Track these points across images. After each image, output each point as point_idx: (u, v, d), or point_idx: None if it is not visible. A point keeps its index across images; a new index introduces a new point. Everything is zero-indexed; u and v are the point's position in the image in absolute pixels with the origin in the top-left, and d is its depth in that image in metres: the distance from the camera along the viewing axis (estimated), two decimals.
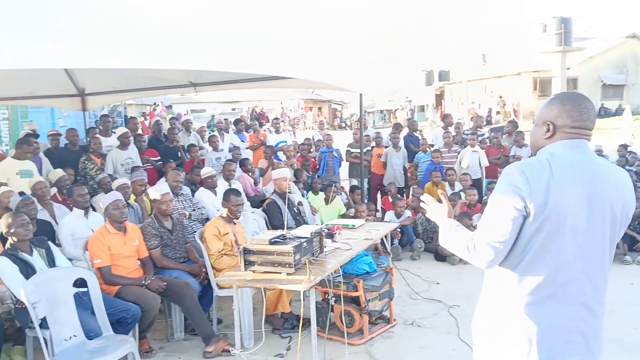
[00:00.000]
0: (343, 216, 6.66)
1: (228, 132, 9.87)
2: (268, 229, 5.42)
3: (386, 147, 8.84)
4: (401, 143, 8.77)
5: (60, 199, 5.55)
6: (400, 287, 5.27)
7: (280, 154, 8.41)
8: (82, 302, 3.70)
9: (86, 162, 6.61)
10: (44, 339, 3.34)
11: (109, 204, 4.27)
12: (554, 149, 1.83)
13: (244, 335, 4.12)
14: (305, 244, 3.57)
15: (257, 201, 6.70)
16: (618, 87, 28.76)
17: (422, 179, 8.33)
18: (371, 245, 5.17)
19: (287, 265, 3.41)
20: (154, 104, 22.23)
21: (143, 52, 4.00)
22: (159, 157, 7.40)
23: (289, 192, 5.74)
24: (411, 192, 8.35)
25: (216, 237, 4.55)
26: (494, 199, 1.81)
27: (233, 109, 29.71)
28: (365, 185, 8.23)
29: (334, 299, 4.25)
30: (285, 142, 8.97)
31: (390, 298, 4.60)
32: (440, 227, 2.02)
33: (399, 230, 6.85)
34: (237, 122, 10.57)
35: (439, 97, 36.73)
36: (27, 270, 3.67)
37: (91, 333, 3.57)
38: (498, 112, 27.12)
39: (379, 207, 8.42)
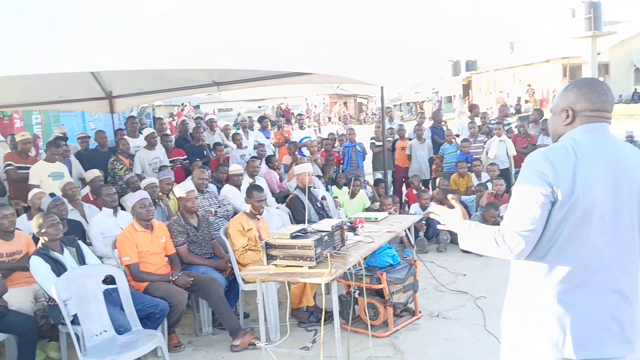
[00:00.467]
0: (368, 210, 6.65)
1: (252, 130, 9.96)
2: (292, 224, 5.46)
3: (410, 139, 8.79)
4: (426, 135, 8.70)
5: (93, 199, 5.72)
6: (426, 280, 5.24)
7: (305, 150, 8.45)
8: (112, 298, 3.81)
9: (115, 162, 6.78)
10: (76, 334, 3.45)
11: (135, 202, 4.38)
12: (576, 135, 1.80)
13: (269, 328, 4.18)
14: (326, 237, 3.59)
15: (283, 197, 6.75)
16: None
17: (447, 170, 8.26)
18: (395, 237, 5.16)
19: (308, 259, 3.43)
20: (182, 104, 22.59)
21: (165, 52, 4.08)
22: (185, 157, 7.54)
23: (312, 187, 5.76)
24: (437, 184, 8.29)
25: (240, 233, 4.62)
26: (520, 187, 1.77)
27: (259, 107, 29.89)
28: (390, 179, 8.20)
29: (357, 291, 4.27)
30: (309, 137, 9.00)
31: (414, 290, 4.59)
32: (458, 232, 1.97)
33: (425, 222, 6.80)
34: (261, 120, 10.64)
35: (467, 88, 36.17)
36: (59, 269, 3.79)
37: (121, 328, 3.68)
38: (527, 101, 26.55)
39: (403, 200, 8.38)
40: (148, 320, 3.89)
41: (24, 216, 4.99)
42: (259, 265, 3.79)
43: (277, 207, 6.02)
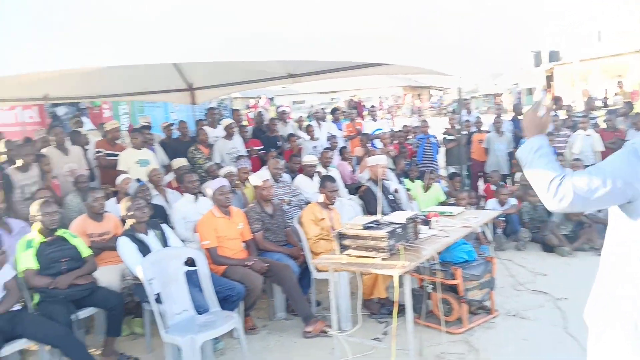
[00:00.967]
0: (442, 204, 6.51)
1: (325, 121, 10.02)
2: (364, 215, 5.45)
3: (488, 132, 8.49)
4: (505, 127, 8.37)
5: (175, 186, 6.01)
6: (503, 278, 5.08)
7: (377, 142, 8.39)
8: (192, 279, 3.99)
9: (194, 152, 7.06)
10: (159, 312, 3.65)
11: (215, 189, 4.55)
12: None
13: (341, 317, 4.21)
14: (399, 229, 3.56)
15: (354, 188, 6.76)
16: None
17: None
18: (470, 233, 5.02)
19: (380, 250, 3.42)
20: (257, 96, 23.12)
21: (244, 44, 4.18)
22: (261, 147, 7.73)
23: (385, 179, 5.72)
24: (516, 179, 7.96)
25: (313, 222, 4.68)
26: (613, 160, 1.66)
27: (331, 99, 30.01)
28: (465, 173, 7.97)
29: (430, 286, 4.21)
30: (381, 129, 8.93)
31: (491, 288, 4.46)
32: (527, 143, 1.83)
33: (503, 219, 6.57)
34: (333, 111, 10.68)
35: (549, 79, 34.33)
36: (144, 250, 4.02)
37: (200, 308, 3.85)
38: (616, 94, 24.81)
39: (480, 195, 8.11)
40: (225, 302, 4.03)
41: (112, 200, 5.31)
42: (331, 255, 3.82)
43: (349, 199, 6.04)
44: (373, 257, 3.43)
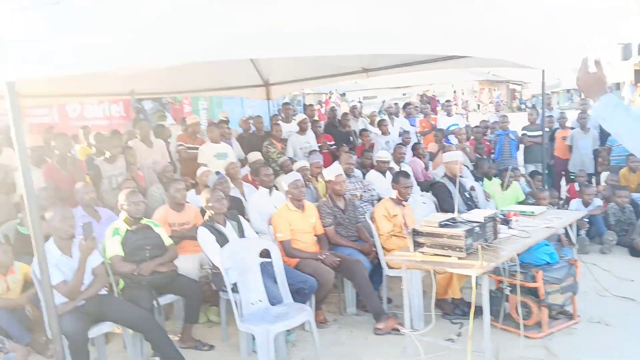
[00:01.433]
0: (521, 203, 6.24)
1: (398, 117, 9.89)
2: (438, 212, 5.33)
3: (572, 128, 8.02)
4: (591, 124, 7.88)
5: (251, 179, 6.16)
6: (587, 282, 4.79)
7: (452, 138, 8.18)
8: (267, 271, 4.07)
9: (268, 146, 7.21)
10: (235, 301, 3.76)
11: (289, 183, 4.62)
12: None
13: (413, 316, 4.14)
14: (477, 228, 3.45)
15: (427, 185, 6.63)
16: None
17: (615, 164, 7.39)
18: (553, 234, 4.79)
19: (457, 249, 3.33)
20: (329, 92, 23.24)
21: (320, 39, 4.19)
22: (333, 142, 7.76)
23: (461, 176, 5.56)
24: (602, 179, 7.48)
25: (385, 218, 4.64)
26: None
27: (404, 94, 29.58)
28: (545, 171, 7.59)
29: (509, 288, 4.05)
30: (457, 125, 8.69)
31: (573, 292, 4.23)
32: (600, 100, 1.71)
33: (587, 220, 6.20)
34: (405, 106, 10.52)
35: (638, 73, 31.93)
36: (222, 240, 4.15)
37: (274, 300, 3.92)
38: None
39: (562, 195, 7.71)
40: (297, 294, 4.08)
41: (192, 191, 5.53)
42: (405, 251, 3.77)
43: (422, 195, 5.92)
44: (449, 256, 3.35)
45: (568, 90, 37.89)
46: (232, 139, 7.52)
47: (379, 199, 5.75)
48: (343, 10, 4.22)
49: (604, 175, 7.64)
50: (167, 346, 3.78)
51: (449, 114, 9.51)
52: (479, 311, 3.37)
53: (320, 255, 4.45)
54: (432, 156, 7.64)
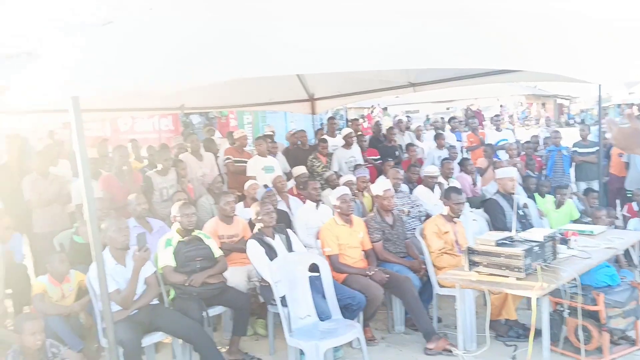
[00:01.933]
0: (575, 222, 6.00)
1: (444, 131, 9.74)
2: (490, 230, 5.18)
3: None
4: None
5: (296, 193, 6.18)
6: None
7: (501, 153, 7.98)
8: (315, 285, 4.04)
9: (314, 160, 7.22)
10: (284, 315, 3.74)
11: (338, 197, 4.59)
12: None
13: (465, 337, 4.02)
14: (536, 248, 3.33)
15: (476, 202, 6.47)
16: None
17: None
18: (612, 255, 4.57)
19: (516, 269, 3.22)
20: (371, 106, 23.21)
21: (368, 54, 4.17)
22: (378, 156, 7.70)
23: (514, 193, 5.39)
24: None
25: (436, 235, 4.54)
26: None
27: (447, 109, 29.22)
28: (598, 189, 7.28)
29: (567, 311, 3.87)
30: (507, 140, 8.48)
31: (636, 317, 4.01)
32: None
33: None
34: (450, 120, 10.36)
35: None
36: (270, 253, 4.16)
37: (322, 315, 3.89)
38: None
39: (618, 214, 7.37)
40: (345, 310, 4.03)
41: (240, 204, 5.58)
42: (458, 270, 3.67)
43: (472, 212, 5.78)
44: (507, 276, 3.23)
45: (619, 105, 36.52)
46: (278, 153, 7.57)
47: (427, 215, 5.65)
48: (393, 24, 4.20)
49: None
50: (215, 357, 3.80)
51: (498, 129, 9.28)
52: (535, 333, 3.23)
53: (368, 271, 4.39)
54: (481, 172, 7.46)
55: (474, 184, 7.14)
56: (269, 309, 4.27)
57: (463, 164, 7.19)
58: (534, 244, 3.33)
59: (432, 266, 4.50)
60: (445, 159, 7.09)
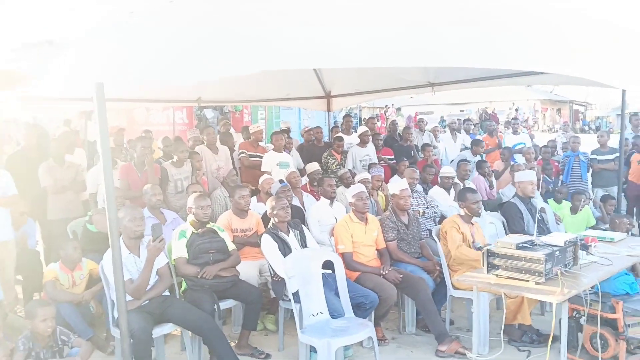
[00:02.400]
0: (592, 228, 5.90)
1: (460, 133, 9.66)
2: (507, 234, 5.11)
3: None
4: None
5: (309, 189, 6.14)
6: None
7: (518, 156, 7.88)
8: (327, 282, 4.00)
9: (328, 157, 7.19)
10: (296, 311, 3.70)
11: (354, 194, 4.54)
12: None
13: (478, 340, 3.96)
14: (557, 252, 3.26)
15: (493, 205, 6.39)
16: None
17: None
18: (633, 263, 4.49)
19: (536, 274, 3.15)
20: (385, 106, 23.11)
21: (387, 50, 4.11)
22: (393, 156, 7.64)
23: (533, 197, 5.30)
24: None
25: (456, 230, 4.47)
26: None
27: (461, 111, 29.05)
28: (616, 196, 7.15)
29: (584, 318, 3.80)
30: (524, 144, 8.37)
31: None
32: None
33: None
34: (464, 122, 10.28)
35: None
36: (284, 248, 4.13)
37: (334, 312, 3.84)
38: None
39: (634, 222, 7.24)
40: (357, 309, 3.98)
41: (253, 198, 5.55)
42: (476, 272, 3.60)
43: (488, 214, 5.70)
44: (527, 280, 3.17)
45: (636, 113, 36.11)
46: (293, 149, 7.54)
47: (442, 217, 5.58)
48: (410, 21, 4.13)
49: None
50: (225, 350, 3.76)
51: (515, 132, 9.18)
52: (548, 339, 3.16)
53: (382, 270, 4.34)
54: (498, 175, 7.37)
55: (490, 186, 7.05)
56: (280, 305, 4.24)
57: (480, 166, 7.11)
58: (555, 248, 3.26)
59: (447, 268, 4.43)
60: (462, 160, 7.01)
